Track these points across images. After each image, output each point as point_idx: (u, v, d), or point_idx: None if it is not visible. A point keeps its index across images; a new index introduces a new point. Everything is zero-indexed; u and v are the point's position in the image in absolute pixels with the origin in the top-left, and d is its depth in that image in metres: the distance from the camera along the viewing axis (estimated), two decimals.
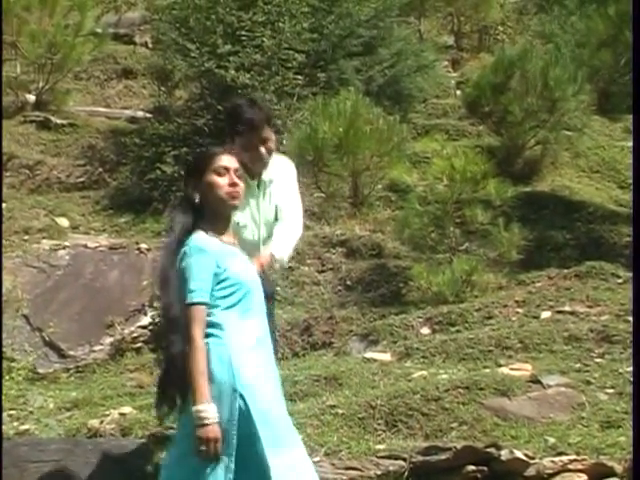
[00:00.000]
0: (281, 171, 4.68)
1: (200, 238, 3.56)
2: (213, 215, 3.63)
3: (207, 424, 3.40)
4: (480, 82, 10.36)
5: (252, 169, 4.46)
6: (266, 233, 4.59)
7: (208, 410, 3.41)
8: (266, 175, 4.60)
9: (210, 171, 3.63)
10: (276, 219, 4.60)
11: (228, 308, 3.55)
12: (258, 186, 4.57)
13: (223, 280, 3.54)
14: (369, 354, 6.57)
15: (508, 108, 9.93)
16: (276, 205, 4.60)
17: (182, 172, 3.80)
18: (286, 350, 7.20)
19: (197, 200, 3.62)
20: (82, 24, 10.97)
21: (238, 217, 4.34)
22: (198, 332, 3.47)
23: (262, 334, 3.64)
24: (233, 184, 3.63)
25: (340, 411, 5.36)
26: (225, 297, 3.55)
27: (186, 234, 3.58)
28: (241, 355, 3.52)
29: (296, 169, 4.81)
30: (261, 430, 3.46)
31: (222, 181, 3.62)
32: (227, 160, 3.68)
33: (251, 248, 4.23)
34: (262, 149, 4.50)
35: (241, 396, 3.47)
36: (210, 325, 3.52)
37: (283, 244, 4.47)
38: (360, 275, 8.30)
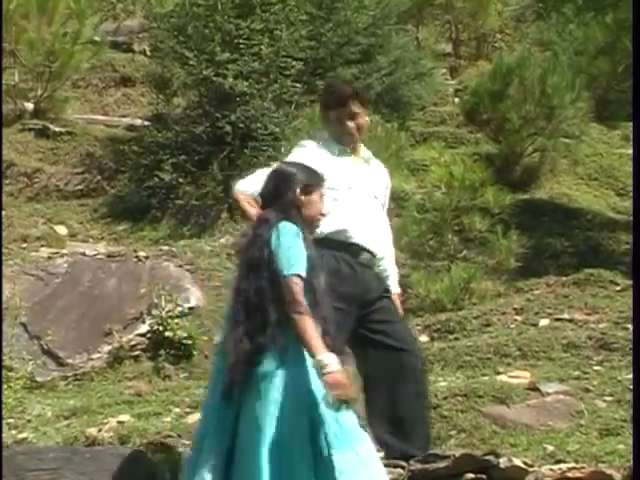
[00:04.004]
0: (377, 162, 4.90)
1: (290, 224, 3.81)
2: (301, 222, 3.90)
3: (333, 370, 3.56)
4: (478, 90, 10.37)
5: (342, 142, 4.66)
6: (378, 210, 4.75)
7: (330, 357, 3.58)
8: (364, 153, 4.78)
9: (315, 192, 3.95)
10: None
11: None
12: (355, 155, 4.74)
13: None
14: None
15: (506, 115, 9.94)
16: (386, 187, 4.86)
17: (283, 177, 4.06)
18: None
19: (297, 205, 3.89)
20: (80, 32, 10.96)
21: (342, 181, 4.53)
22: (302, 301, 3.65)
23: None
24: (322, 213, 3.99)
25: None
26: None
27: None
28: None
29: None
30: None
31: (321, 206, 3.98)
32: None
33: (357, 211, 4.54)
34: (350, 123, 4.65)
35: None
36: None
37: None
38: None
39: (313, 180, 3.97)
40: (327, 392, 3.55)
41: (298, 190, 3.89)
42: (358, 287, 4.55)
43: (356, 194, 4.60)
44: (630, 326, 6.85)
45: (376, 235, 4.67)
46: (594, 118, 10.98)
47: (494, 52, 13.44)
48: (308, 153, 4.59)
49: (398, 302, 4.82)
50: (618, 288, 7.75)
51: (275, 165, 4.23)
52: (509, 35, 14.27)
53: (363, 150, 4.81)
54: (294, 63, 9.84)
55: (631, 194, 10.12)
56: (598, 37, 11.20)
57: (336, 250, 4.48)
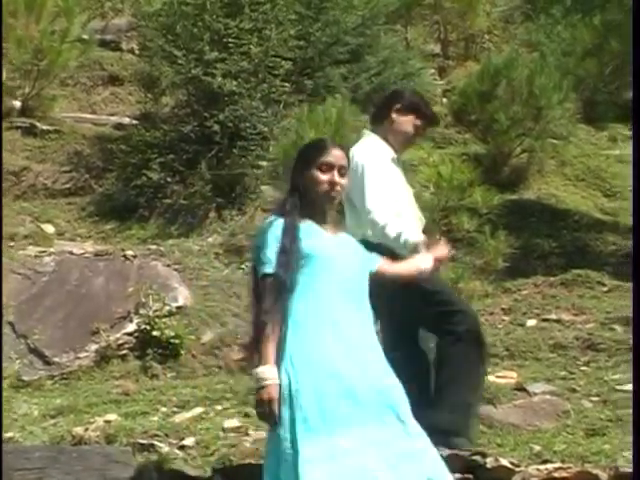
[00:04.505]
0: None
1: (274, 218, 3.69)
2: (311, 205, 3.74)
3: (262, 386, 3.45)
4: (466, 90, 10.38)
5: (396, 146, 4.80)
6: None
7: (265, 372, 3.47)
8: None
9: (315, 165, 3.73)
10: None
11: (300, 280, 3.60)
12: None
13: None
14: None
15: (494, 116, 9.95)
16: None
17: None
18: None
19: (301, 188, 3.74)
20: (69, 30, 10.92)
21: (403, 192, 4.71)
22: (270, 302, 3.54)
23: (344, 312, 3.62)
24: (332, 183, 3.72)
25: None
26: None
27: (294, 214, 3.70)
28: (301, 330, 3.56)
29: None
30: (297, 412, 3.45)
31: (323, 177, 3.72)
32: (334, 156, 3.76)
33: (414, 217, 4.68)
34: (418, 138, 4.98)
35: (287, 370, 3.50)
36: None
37: None
38: None
39: (309, 153, 3.80)
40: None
41: (296, 174, 3.78)
42: None
43: (410, 201, 4.81)
44: (617, 327, 6.89)
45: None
46: (581, 119, 11.01)
47: (482, 53, 13.46)
48: (380, 145, 4.77)
49: None
50: (605, 289, 7.78)
51: None
52: (497, 36, 14.28)
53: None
54: (283, 63, 9.83)
55: (618, 195, 10.18)
56: (586, 39, 11.23)
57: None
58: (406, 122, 4.78)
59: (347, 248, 3.77)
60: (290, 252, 3.59)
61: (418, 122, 4.81)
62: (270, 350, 3.49)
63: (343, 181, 3.76)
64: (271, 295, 3.56)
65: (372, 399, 3.54)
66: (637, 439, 4.13)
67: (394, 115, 4.80)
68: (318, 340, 3.55)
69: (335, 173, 3.72)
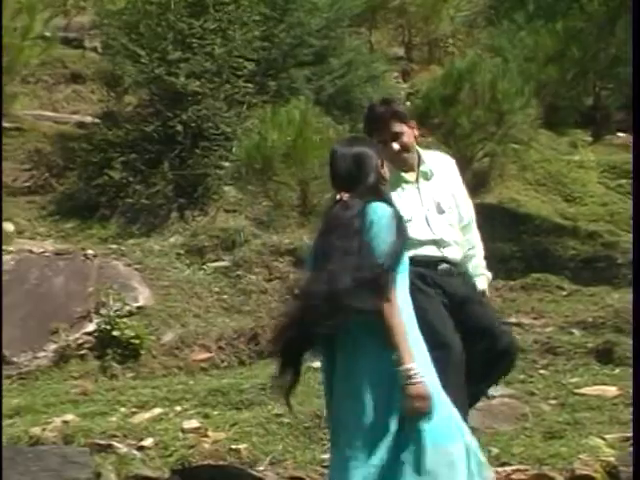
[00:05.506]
0: (442, 164, 4.92)
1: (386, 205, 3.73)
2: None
3: (419, 381, 3.47)
4: (430, 94, 10.42)
5: (393, 165, 4.48)
6: (447, 223, 4.71)
7: (417, 368, 3.49)
8: (424, 167, 4.74)
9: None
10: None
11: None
12: (417, 179, 4.69)
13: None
14: (315, 363, 6.56)
15: (457, 120, 9.99)
16: (453, 195, 4.84)
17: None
18: (232, 358, 7.19)
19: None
20: (30, 27, 10.82)
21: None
22: (393, 296, 3.56)
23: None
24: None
25: (286, 420, 5.36)
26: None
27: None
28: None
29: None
30: None
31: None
32: None
33: (420, 243, 4.38)
34: (394, 145, 4.59)
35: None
36: None
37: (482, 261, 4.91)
38: None
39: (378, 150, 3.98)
40: (407, 403, 3.48)
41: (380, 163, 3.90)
42: None
43: (420, 221, 4.55)
44: (575, 331, 6.96)
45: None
46: (543, 124, 11.09)
47: (446, 57, 13.52)
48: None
49: None
50: (564, 293, 7.85)
51: (343, 148, 3.93)
52: (461, 40, 14.35)
53: (424, 164, 4.76)
54: (246, 63, 9.82)
55: (578, 200, 10.28)
56: (548, 45, 11.32)
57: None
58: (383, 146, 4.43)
59: None
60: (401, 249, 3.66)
61: (383, 137, 4.55)
62: (409, 345, 3.52)
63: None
64: (392, 289, 3.56)
65: None
66: (637, 439, 4.16)
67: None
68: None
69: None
